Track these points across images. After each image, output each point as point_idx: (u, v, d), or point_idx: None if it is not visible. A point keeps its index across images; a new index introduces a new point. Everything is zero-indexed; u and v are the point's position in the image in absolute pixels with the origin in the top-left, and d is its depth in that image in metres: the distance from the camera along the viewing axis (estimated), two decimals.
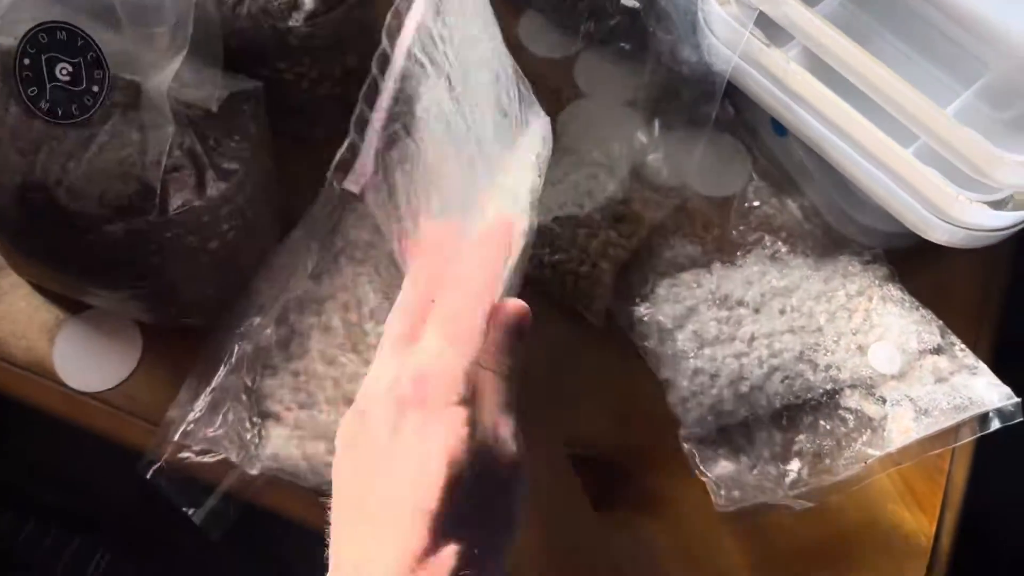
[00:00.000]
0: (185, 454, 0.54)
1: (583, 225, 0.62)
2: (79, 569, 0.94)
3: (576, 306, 0.62)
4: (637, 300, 0.62)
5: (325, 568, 0.38)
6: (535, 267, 0.62)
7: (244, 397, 0.53)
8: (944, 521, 0.58)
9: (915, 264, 0.65)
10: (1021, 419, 0.55)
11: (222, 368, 0.53)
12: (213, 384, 0.52)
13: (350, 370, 0.54)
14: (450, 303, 0.42)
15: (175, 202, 0.52)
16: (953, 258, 0.68)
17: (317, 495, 0.56)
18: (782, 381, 0.57)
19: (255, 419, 0.53)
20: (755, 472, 0.56)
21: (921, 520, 0.58)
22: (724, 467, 0.56)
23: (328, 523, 0.40)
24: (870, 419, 0.57)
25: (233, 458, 0.53)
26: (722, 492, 0.55)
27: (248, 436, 0.53)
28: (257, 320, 0.54)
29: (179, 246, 0.53)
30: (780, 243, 0.63)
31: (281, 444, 0.52)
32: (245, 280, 0.58)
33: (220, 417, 0.52)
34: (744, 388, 0.57)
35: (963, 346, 0.59)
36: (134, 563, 0.96)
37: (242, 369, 0.53)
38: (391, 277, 0.58)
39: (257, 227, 0.59)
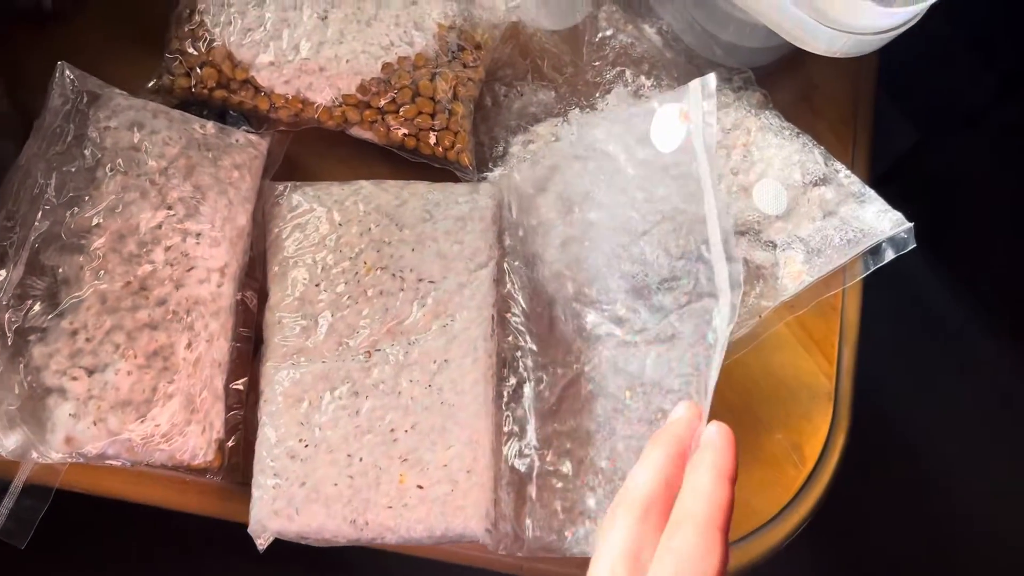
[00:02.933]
0: None
1: (420, 66, 0.50)
2: None
3: (441, 164, 0.52)
4: (488, 165, 0.52)
5: None
6: (384, 132, 0.51)
7: (9, 374, 0.40)
8: (843, 359, 0.54)
9: (778, 82, 0.59)
10: (914, 246, 0.51)
11: None
12: None
13: (142, 315, 0.43)
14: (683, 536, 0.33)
15: None
16: (818, 71, 0.62)
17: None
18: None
19: (32, 400, 0.41)
20: None
21: (821, 362, 0.54)
22: None
23: None
24: (760, 267, 0.51)
25: (11, 455, 0.41)
26: None
27: (28, 422, 0.41)
28: (0, 273, 0.41)
29: None
30: (643, 76, 0.54)
31: (73, 424, 0.41)
32: None
33: None
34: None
35: (848, 172, 0.53)
36: None
37: None
38: (171, 184, 0.45)
39: None
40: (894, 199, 0.52)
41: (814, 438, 0.52)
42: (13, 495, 0.43)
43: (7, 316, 0.41)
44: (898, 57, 0.64)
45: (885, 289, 0.55)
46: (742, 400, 0.53)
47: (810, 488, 0.52)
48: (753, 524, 0.51)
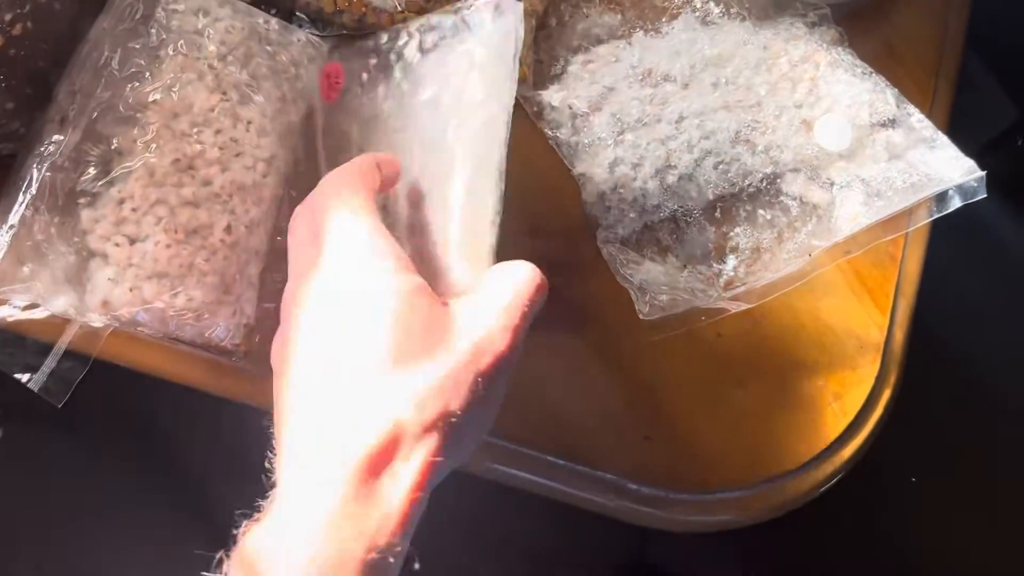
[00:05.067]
0: (6, 311, 0.44)
1: None
2: None
3: None
4: (546, 83, 0.52)
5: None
6: None
7: (58, 235, 0.42)
8: (897, 312, 0.52)
9: (861, 25, 0.56)
10: (984, 195, 0.48)
11: (20, 197, 0.42)
12: (11, 220, 0.41)
13: (186, 192, 0.44)
14: None
15: None
16: (904, 15, 0.60)
17: (173, 341, 0.47)
18: (715, 167, 0.49)
19: (78, 261, 0.43)
20: (685, 273, 0.49)
21: (873, 312, 0.51)
22: (649, 270, 0.49)
23: None
24: (815, 206, 0.49)
25: (58, 311, 0.43)
26: (646, 299, 0.48)
27: (72, 283, 0.43)
28: (59, 136, 0.43)
29: None
30: (712, 3, 0.53)
31: (111, 289, 0.42)
32: (51, 88, 0.46)
33: (31, 262, 0.42)
34: (672, 178, 0.48)
35: (921, 116, 0.51)
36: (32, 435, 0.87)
37: (47, 199, 0.42)
38: (228, 71, 0.46)
39: (55, 16, 0.46)
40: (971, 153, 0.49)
41: (857, 389, 0.50)
42: (56, 355, 0.45)
43: (60, 177, 0.42)
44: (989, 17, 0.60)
45: (955, 243, 0.53)
46: (780, 343, 0.51)
47: (848, 439, 0.49)
48: (784, 467, 0.49)
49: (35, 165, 0.42)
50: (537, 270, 0.36)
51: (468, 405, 0.31)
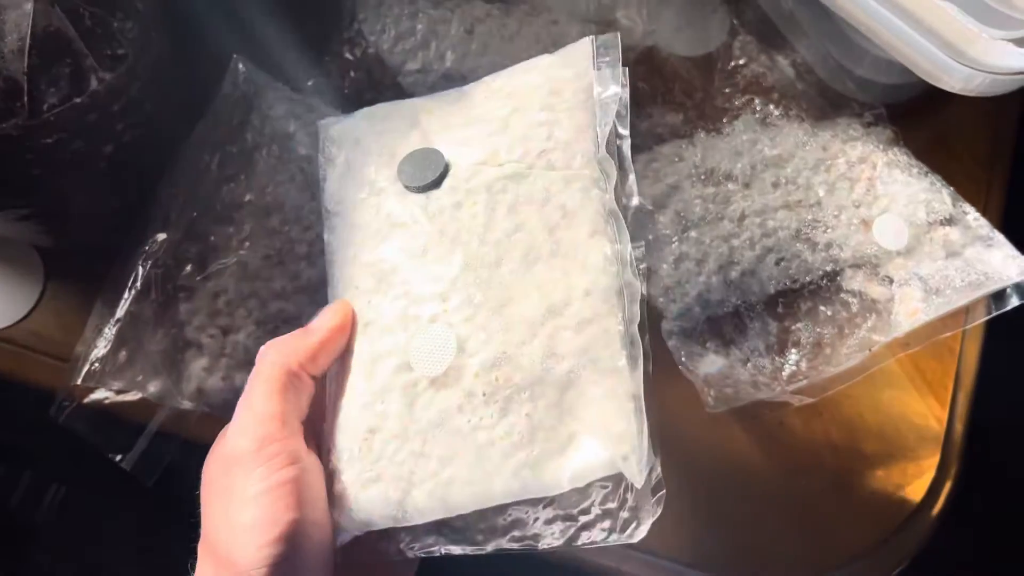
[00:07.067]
0: (103, 394, 0.47)
1: None
2: (34, 502, 0.89)
3: None
4: None
5: None
6: None
7: (157, 326, 0.45)
8: (956, 404, 0.53)
9: (914, 121, 0.58)
10: None
11: (126, 294, 0.45)
12: (117, 314, 0.45)
13: (276, 286, 0.47)
14: None
15: (49, 100, 0.43)
16: (956, 111, 0.61)
17: None
18: (777, 264, 0.50)
19: (174, 350, 0.45)
20: (748, 367, 0.50)
21: (932, 404, 0.53)
22: (713, 363, 0.50)
23: None
24: (875, 302, 0.51)
25: (152, 397, 0.46)
26: (712, 391, 0.49)
27: (168, 370, 0.45)
28: (162, 235, 0.46)
29: (65, 154, 0.44)
30: (771, 105, 0.55)
31: (205, 377, 0.45)
32: (153, 187, 0.50)
33: (131, 351, 0.45)
34: (734, 273, 0.50)
35: (977, 215, 0.52)
36: (92, 496, 0.91)
37: (151, 293, 0.45)
38: (314, 172, 0.49)
39: (160, 123, 0.50)
40: None
41: (918, 481, 0.51)
42: (148, 436, 0.48)
43: (161, 273, 0.46)
44: None
45: (1015, 337, 0.53)
46: (841, 434, 0.52)
47: (909, 531, 0.50)
48: (844, 557, 0.50)
49: (140, 262, 0.46)
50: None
51: None
